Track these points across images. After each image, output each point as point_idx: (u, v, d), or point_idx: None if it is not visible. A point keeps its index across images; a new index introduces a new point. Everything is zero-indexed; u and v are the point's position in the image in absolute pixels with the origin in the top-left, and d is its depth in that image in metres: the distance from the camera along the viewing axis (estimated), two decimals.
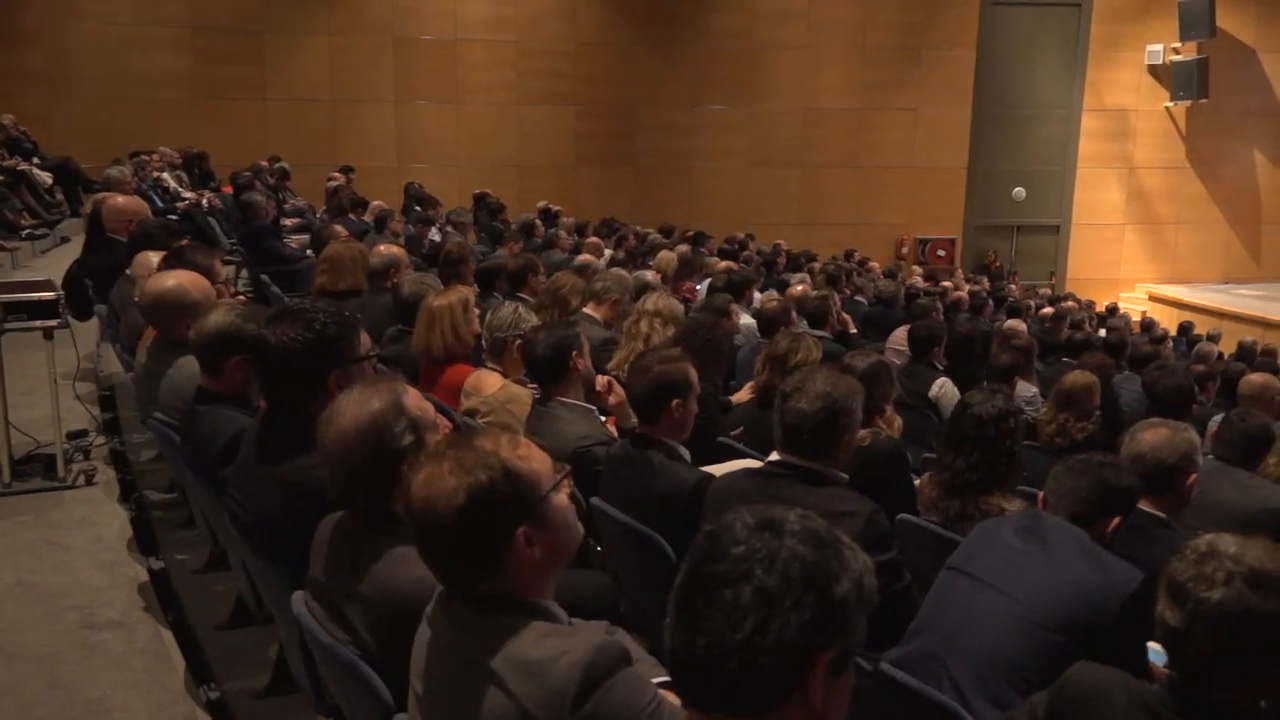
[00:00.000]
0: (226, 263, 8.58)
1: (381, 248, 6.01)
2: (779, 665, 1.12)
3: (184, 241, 5.22)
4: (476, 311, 4.49)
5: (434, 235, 10.31)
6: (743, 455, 3.77)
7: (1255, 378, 6.04)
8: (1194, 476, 3.06)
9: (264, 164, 13.22)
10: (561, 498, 1.72)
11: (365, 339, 2.69)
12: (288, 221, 10.87)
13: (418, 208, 12.39)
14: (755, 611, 1.12)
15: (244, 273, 9.10)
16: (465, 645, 1.63)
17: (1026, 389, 6.02)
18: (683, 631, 1.16)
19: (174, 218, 9.34)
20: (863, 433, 3.49)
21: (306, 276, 6.70)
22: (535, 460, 1.70)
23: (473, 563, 1.64)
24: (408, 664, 1.76)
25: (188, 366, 3.18)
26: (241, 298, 5.40)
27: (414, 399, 2.11)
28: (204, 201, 10.99)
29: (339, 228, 8.08)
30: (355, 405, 2.05)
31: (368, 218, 10.33)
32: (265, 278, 7.76)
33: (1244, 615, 1.71)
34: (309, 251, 8.17)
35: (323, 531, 2.11)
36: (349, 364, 2.56)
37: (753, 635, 1.11)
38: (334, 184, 12.59)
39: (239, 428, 2.74)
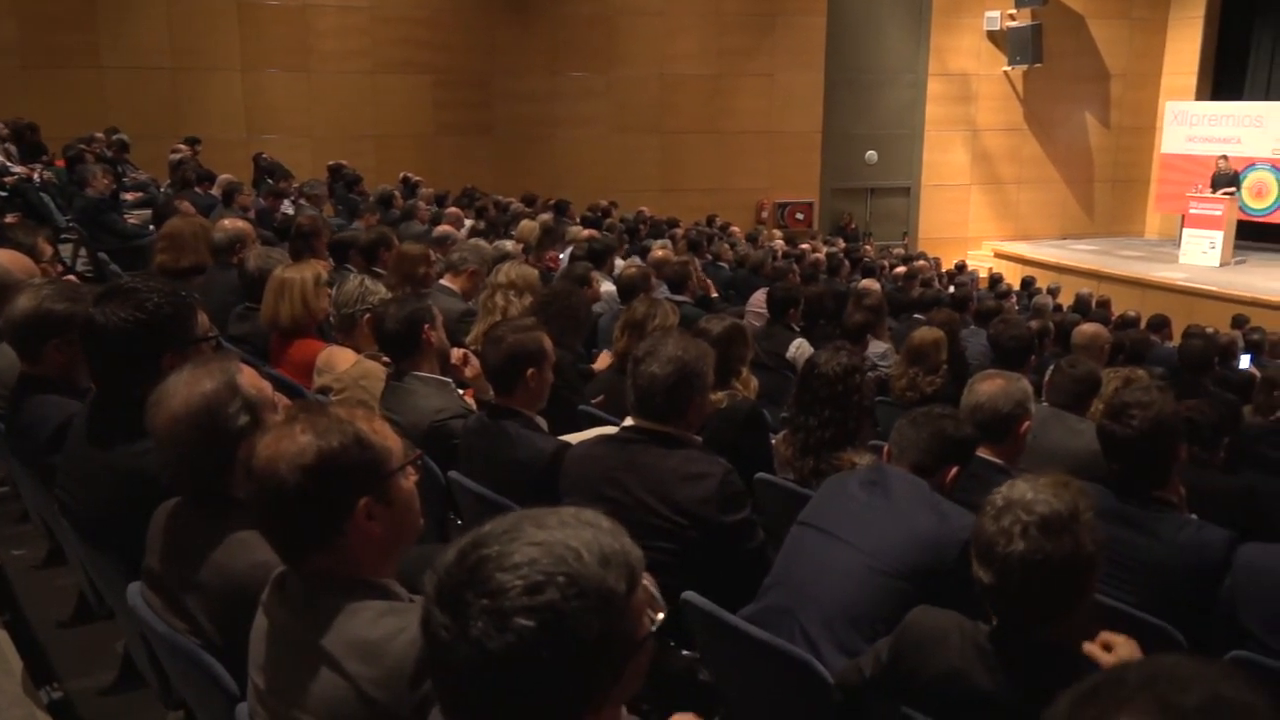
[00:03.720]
0: (64, 240, 8.14)
1: (225, 222, 5.75)
2: None
3: (10, 218, 4.92)
4: (328, 291, 4.36)
5: (286, 208, 9.97)
6: (603, 422, 3.78)
7: (1086, 328, 6.34)
8: (1028, 423, 3.23)
9: (99, 135, 12.49)
10: (409, 481, 1.71)
11: (203, 319, 2.57)
12: (129, 196, 10.35)
13: (268, 180, 11.95)
14: None
15: (82, 251, 8.61)
16: (300, 628, 1.59)
17: (879, 346, 6.23)
18: None
19: (2, 194, 8.78)
20: (719, 395, 3.56)
21: (150, 254, 6.39)
22: (389, 438, 1.69)
23: (311, 529, 1.60)
24: None
25: (10, 352, 3.00)
26: (72, 277, 5.11)
27: (249, 378, 2.04)
28: (35, 176, 10.32)
29: (184, 203, 7.72)
30: (185, 387, 1.97)
31: (215, 191, 9.92)
32: (105, 256, 7.35)
33: (1043, 563, 1.83)
34: (151, 227, 7.79)
35: (158, 519, 2.03)
36: (185, 345, 2.45)
37: None
38: (178, 156, 12.02)
39: (66, 414, 2.59)
